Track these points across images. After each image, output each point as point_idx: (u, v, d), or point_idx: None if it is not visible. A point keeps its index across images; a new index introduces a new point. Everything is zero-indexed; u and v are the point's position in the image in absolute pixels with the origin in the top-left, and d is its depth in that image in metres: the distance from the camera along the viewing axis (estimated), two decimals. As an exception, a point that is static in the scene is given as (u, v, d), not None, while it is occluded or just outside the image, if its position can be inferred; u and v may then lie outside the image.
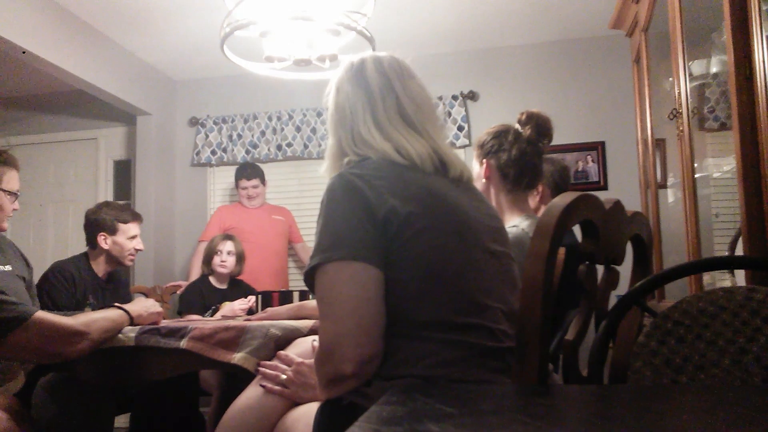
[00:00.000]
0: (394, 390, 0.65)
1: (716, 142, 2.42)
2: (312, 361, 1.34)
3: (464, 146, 4.14)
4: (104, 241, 2.51)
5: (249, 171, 4.00)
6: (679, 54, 2.08)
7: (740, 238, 1.73)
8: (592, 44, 4.07)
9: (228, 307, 2.83)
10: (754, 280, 1.52)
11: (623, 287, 1.04)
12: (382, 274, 1.04)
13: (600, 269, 1.06)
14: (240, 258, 3.39)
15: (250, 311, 2.75)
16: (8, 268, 1.95)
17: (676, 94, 2.12)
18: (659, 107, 2.62)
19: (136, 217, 2.63)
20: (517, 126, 1.79)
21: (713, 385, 0.91)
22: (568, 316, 1.76)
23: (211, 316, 2.87)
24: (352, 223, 1.04)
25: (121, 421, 2.63)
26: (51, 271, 2.45)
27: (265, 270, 3.77)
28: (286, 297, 2.54)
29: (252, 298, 2.83)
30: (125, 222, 2.55)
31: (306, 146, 4.35)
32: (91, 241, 2.54)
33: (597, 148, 4.03)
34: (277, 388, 1.50)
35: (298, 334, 1.72)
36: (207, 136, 4.51)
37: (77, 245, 3.80)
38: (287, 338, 1.70)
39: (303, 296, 2.48)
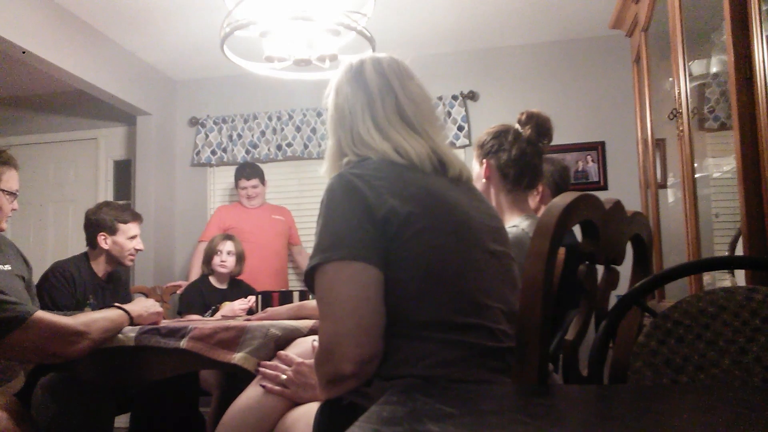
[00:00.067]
0: (394, 390, 0.65)
1: (716, 142, 2.42)
2: (312, 361, 1.34)
3: (464, 146, 4.14)
4: (104, 241, 2.51)
5: (248, 171, 4.00)
6: (679, 54, 2.08)
7: (740, 238, 1.74)
8: (592, 44, 4.07)
9: (228, 307, 2.83)
10: (754, 280, 1.52)
11: (623, 287, 1.04)
12: (381, 274, 1.04)
13: (600, 269, 1.06)
14: (240, 258, 3.39)
15: (250, 311, 2.75)
16: (8, 267, 1.95)
17: (676, 94, 2.12)
18: (659, 107, 2.62)
19: (136, 217, 2.63)
20: (517, 126, 1.79)
21: (713, 385, 0.91)
22: (568, 316, 1.76)
23: (211, 316, 2.87)
24: (352, 224, 1.04)
25: (121, 421, 2.63)
26: (51, 271, 2.45)
27: (264, 270, 3.77)
28: (286, 297, 2.54)
29: (252, 298, 2.83)
30: (125, 222, 2.55)
31: (306, 146, 4.35)
32: (91, 241, 2.55)
33: (597, 148, 4.03)
34: (277, 388, 1.50)
35: (298, 334, 1.72)
36: (207, 136, 4.51)
37: (77, 245, 3.80)
38: (287, 338, 1.70)
39: (303, 296, 2.48)
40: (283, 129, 4.39)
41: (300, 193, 4.44)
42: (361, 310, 1.02)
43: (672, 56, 2.14)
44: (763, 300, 0.95)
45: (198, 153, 4.52)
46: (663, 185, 2.78)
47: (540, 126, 1.77)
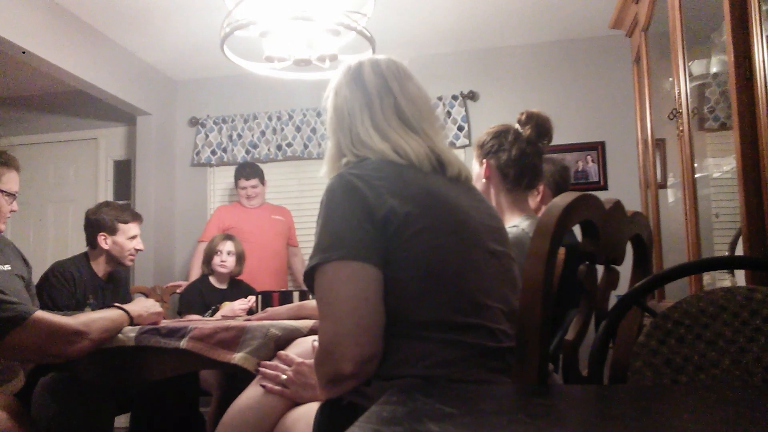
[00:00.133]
0: (394, 390, 0.65)
1: (716, 142, 2.42)
2: (312, 361, 1.34)
3: (464, 146, 4.14)
4: (104, 241, 2.51)
5: (248, 171, 4.00)
6: (679, 54, 2.08)
7: (740, 238, 1.73)
8: (592, 44, 4.07)
9: (228, 307, 2.83)
10: (754, 280, 1.52)
11: (623, 287, 1.04)
12: (381, 273, 1.04)
13: (600, 269, 1.06)
14: (240, 258, 3.39)
15: (250, 311, 2.75)
16: (7, 267, 1.95)
17: (676, 94, 2.12)
18: (659, 107, 2.62)
19: (136, 217, 2.63)
20: (517, 126, 1.79)
21: (713, 385, 0.91)
22: (568, 316, 1.76)
23: (211, 316, 2.87)
24: (352, 223, 1.04)
25: (121, 421, 2.63)
26: (51, 271, 2.45)
27: (263, 270, 3.77)
28: (286, 297, 2.54)
29: (252, 298, 2.83)
30: (125, 222, 2.55)
31: (306, 146, 4.35)
32: (91, 241, 2.54)
33: (597, 148, 4.03)
34: (277, 388, 1.50)
35: (298, 334, 1.72)
36: (207, 136, 4.51)
37: (77, 245, 3.80)
38: (287, 338, 1.70)
39: (303, 296, 2.48)
40: (283, 129, 4.39)
41: (300, 193, 4.44)
42: (361, 309, 1.02)
43: (672, 56, 2.14)
44: (763, 300, 0.95)
45: (198, 153, 4.52)
46: (663, 185, 2.78)
47: (540, 126, 1.77)
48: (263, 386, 1.51)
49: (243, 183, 3.99)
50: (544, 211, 0.91)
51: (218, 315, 2.78)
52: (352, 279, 1.02)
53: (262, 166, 4.14)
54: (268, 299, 2.60)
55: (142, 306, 1.90)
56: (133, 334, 1.76)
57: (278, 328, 1.71)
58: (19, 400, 1.88)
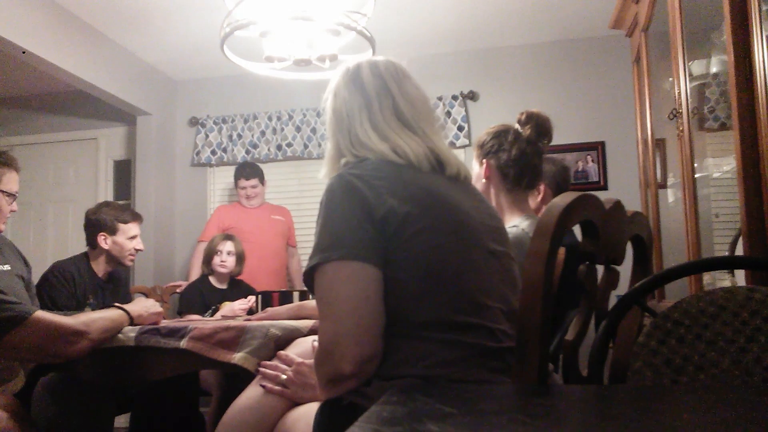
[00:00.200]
0: (394, 390, 0.65)
1: (716, 142, 2.42)
2: (312, 361, 1.34)
3: (464, 146, 4.14)
4: (104, 241, 2.51)
5: (248, 171, 3.99)
6: (679, 54, 2.08)
7: (740, 238, 1.73)
8: (592, 44, 4.07)
9: (228, 307, 2.83)
10: (754, 280, 1.52)
11: (623, 287, 1.04)
12: (381, 273, 1.04)
13: (600, 269, 1.06)
14: (240, 258, 3.39)
15: (250, 311, 2.76)
16: (7, 267, 1.95)
17: (676, 94, 2.11)
18: (659, 107, 2.62)
19: (136, 217, 2.63)
20: (517, 126, 1.79)
21: (713, 385, 0.91)
22: (568, 316, 1.76)
23: (211, 316, 2.87)
24: (352, 223, 1.04)
25: (121, 421, 2.63)
26: (51, 271, 2.45)
27: (263, 270, 3.76)
28: (286, 297, 2.54)
29: (252, 298, 2.83)
30: (125, 222, 2.55)
31: (306, 146, 4.35)
32: (91, 241, 2.54)
33: (597, 148, 4.03)
34: (277, 388, 1.50)
35: (298, 334, 1.72)
36: (207, 136, 4.51)
37: (77, 245, 3.80)
38: (287, 338, 1.70)
39: (303, 296, 2.48)
40: (283, 129, 4.39)
41: (300, 193, 4.44)
42: (361, 309, 1.02)
43: (672, 56, 2.14)
44: (763, 300, 0.95)
45: (198, 153, 4.52)
46: (663, 185, 2.78)
47: (540, 126, 1.77)
48: (263, 386, 1.51)
49: (243, 183, 3.99)
50: (544, 211, 0.91)
51: (218, 315, 2.78)
52: (352, 279, 1.02)
53: (262, 166, 4.14)
54: (268, 299, 2.60)
55: (142, 306, 1.90)
56: (133, 334, 1.76)
57: (278, 328, 1.71)
58: (19, 400, 1.88)
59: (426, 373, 1.03)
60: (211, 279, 3.37)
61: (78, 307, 2.35)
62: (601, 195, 1.26)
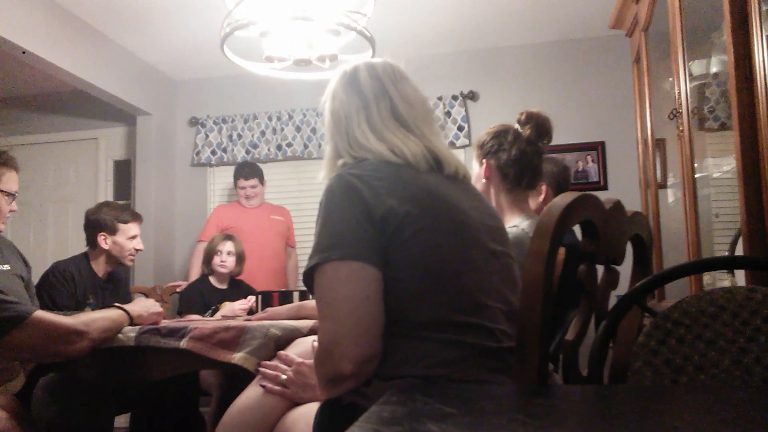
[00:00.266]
0: (394, 390, 0.65)
1: (716, 142, 2.42)
2: (312, 361, 1.34)
3: (464, 146, 4.14)
4: (104, 241, 2.51)
5: (247, 171, 3.99)
6: (679, 54, 2.08)
7: (740, 238, 1.73)
8: (592, 44, 4.07)
9: (228, 307, 2.83)
10: (754, 280, 1.52)
11: (623, 287, 1.04)
12: (380, 273, 1.04)
13: (600, 269, 1.06)
14: (240, 258, 3.39)
15: (250, 311, 2.76)
16: (6, 267, 1.95)
17: (676, 94, 2.11)
18: (659, 107, 2.62)
19: (136, 217, 2.63)
20: (517, 126, 1.79)
21: (713, 385, 0.91)
22: (568, 316, 1.76)
23: (211, 316, 2.87)
24: (351, 223, 1.04)
25: (121, 421, 2.63)
26: (51, 271, 2.45)
27: (262, 270, 3.76)
28: (286, 297, 2.54)
29: (252, 298, 2.83)
30: (125, 222, 2.55)
31: (306, 146, 4.35)
32: (91, 241, 2.55)
33: (597, 148, 4.03)
34: (277, 388, 1.50)
35: (298, 334, 1.72)
36: (207, 136, 4.51)
37: (77, 245, 3.80)
38: (287, 338, 1.70)
39: (303, 296, 2.48)
40: (283, 129, 4.39)
41: (300, 193, 4.44)
42: (360, 309, 1.02)
43: (672, 56, 2.14)
44: (763, 300, 0.95)
45: (198, 153, 4.52)
46: (663, 185, 2.78)
47: (540, 126, 1.77)
48: (263, 386, 1.51)
49: (242, 183, 3.98)
50: (544, 211, 0.91)
51: (218, 315, 2.78)
52: (351, 279, 1.02)
53: (262, 166, 4.13)
54: (268, 299, 2.60)
55: (142, 306, 1.90)
56: (133, 334, 1.76)
57: (278, 328, 1.71)
58: (19, 400, 1.88)
59: (426, 373, 1.03)
60: (211, 279, 3.37)
61: (78, 307, 2.35)
62: (601, 195, 1.26)
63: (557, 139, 1.95)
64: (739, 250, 1.85)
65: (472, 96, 4.21)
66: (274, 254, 3.96)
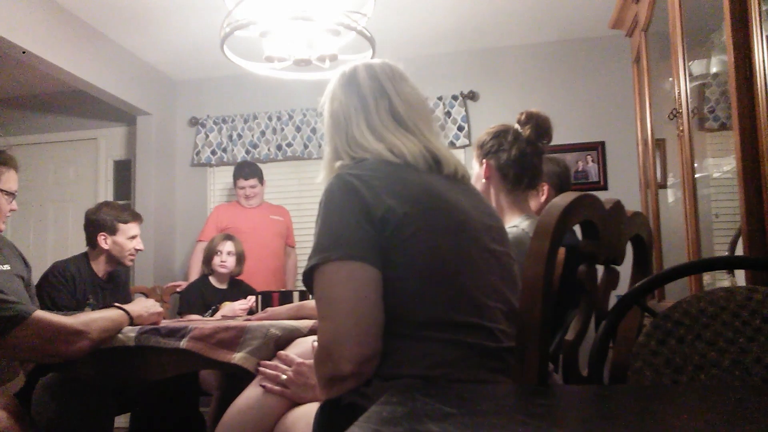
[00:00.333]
0: (394, 390, 0.65)
1: (716, 142, 2.42)
2: (312, 361, 1.34)
3: (464, 146, 4.14)
4: (104, 241, 2.51)
5: (246, 170, 3.99)
6: (679, 54, 2.08)
7: (740, 238, 1.73)
8: (592, 44, 4.07)
9: (228, 307, 2.83)
10: (754, 280, 1.52)
11: (623, 287, 1.04)
12: (380, 273, 1.04)
13: (600, 269, 1.06)
14: (240, 258, 3.39)
15: (250, 311, 2.76)
16: (6, 267, 1.95)
17: (676, 94, 2.11)
18: (659, 107, 2.62)
19: (136, 217, 2.63)
20: (517, 126, 1.79)
21: (713, 385, 0.91)
22: (568, 316, 1.76)
23: (211, 316, 2.87)
24: (350, 224, 1.04)
25: (121, 421, 2.63)
26: (51, 271, 2.45)
27: (261, 270, 3.76)
28: (286, 297, 2.54)
29: (252, 299, 2.83)
30: (125, 222, 2.55)
31: (306, 146, 4.35)
32: (91, 241, 2.55)
33: (597, 148, 4.03)
34: (277, 388, 1.50)
35: (298, 334, 1.72)
36: (207, 136, 4.51)
37: (77, 245, 3.80)
38: (287, 338, 1.70)
39: (303, 296, 2.48)
40: (283, 129, 4.39)
41: (300, 193, 4.44)
42: (360, 309, 1.02)
43: (672, 56, 2.14)
44: (763, 300, 0.95)
45: (198, 153, 4.52)
46: (663, 185, 2.78)
47: (540, 126, 1.77)
48: (263, 386, 1.51)
49: (242, 183, 3.98)
50: (544, 211, 0.91)
51: (218, 315, 2.78)
52: (351, 279, 1.02)
53: (261, 166, 4.13)
54: (268, 299, 2.60)
55: (142, 306, 1.90)
56: (133, 334, 1.76)
57: (278, 328, 1.71)
58: (19, 400, 1.88)
59: (426, 373, 1.03)
60: (211, 279, 3.37)
61: (78, 307, 2.35)
62: (601, 195, 1.26)
63: (557, 139, 1.95)
64: (739, 250, 1.85)
65: (472, 96, 4.21)
66: (273, 254, 3.96)
